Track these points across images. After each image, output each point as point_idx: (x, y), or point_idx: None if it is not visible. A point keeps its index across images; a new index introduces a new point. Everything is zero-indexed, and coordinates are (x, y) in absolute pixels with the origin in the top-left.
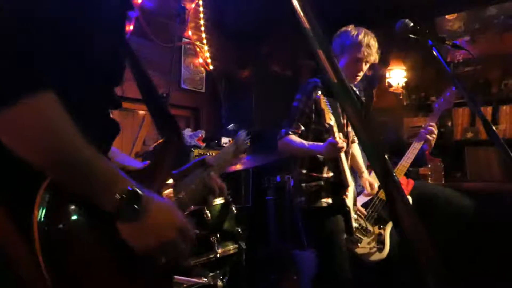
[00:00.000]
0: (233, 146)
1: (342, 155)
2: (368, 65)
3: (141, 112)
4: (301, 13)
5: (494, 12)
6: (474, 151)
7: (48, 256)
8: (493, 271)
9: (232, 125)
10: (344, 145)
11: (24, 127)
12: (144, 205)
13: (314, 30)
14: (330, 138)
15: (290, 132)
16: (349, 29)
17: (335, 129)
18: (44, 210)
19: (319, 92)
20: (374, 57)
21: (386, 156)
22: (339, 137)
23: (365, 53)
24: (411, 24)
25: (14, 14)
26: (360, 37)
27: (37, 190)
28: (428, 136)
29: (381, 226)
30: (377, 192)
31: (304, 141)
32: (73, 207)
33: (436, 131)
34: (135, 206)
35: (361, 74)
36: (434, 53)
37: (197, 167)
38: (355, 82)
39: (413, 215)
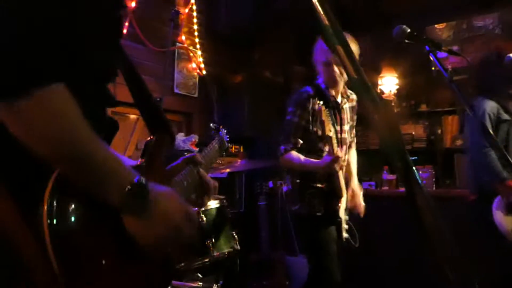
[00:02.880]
0: (217, 144)
1: None
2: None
3: (133, 116)
4: (320, 10)
5: (482, 23)
6: (463, 158)
7: (58, 250)
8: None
9: (211, 124)
10: (344, 156)
11: (37, 119)
12: (151, 196)
13: (333, 26)
14: (326, 156)
15: (289, 149)
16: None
17: (334, 141)
18: (52, 206)
19: (320, 103)
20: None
21: (406, 151)
22: (338, 149)
23: (330, 56)
24: (408, 30)
25: (18, 11)
26: (323, 44)
27: (45, 184)
28: None
29: None
30: None
31: (302, 158)
32: (80, 201)
33: None
34: (142, 198)
35: (339, 78)
36: (431, 58)
37: (186, 165)
38: (339, 87)
39: (433, 210)
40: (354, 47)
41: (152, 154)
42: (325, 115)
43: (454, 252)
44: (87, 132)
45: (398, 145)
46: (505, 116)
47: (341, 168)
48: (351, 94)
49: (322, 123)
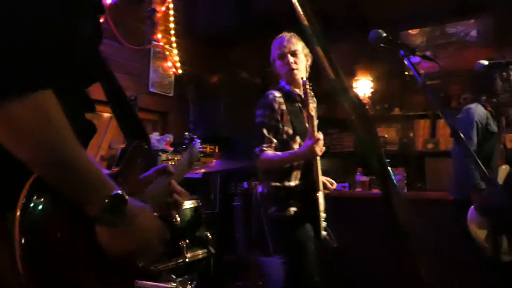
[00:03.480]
0: (188, 156)
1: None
2: (296, 55)
3: (106, 114)
4: (300, 11)
5: (455, 30)
6: (433, 161)
7: (27, 259)
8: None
9: (186, 133)
10: (322, 137)
11: (28, 123)
12: (128, 210)
13: (313, 27)
14: (306, 140)
15: (264, 149)
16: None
17: (315, 121)
18: (26, 211)
19: (304, 78)
20: (294, 46)
21: (382, 153)
22: (317, 133)
23: (282, 47)
24: (384, 35)
25: (15, 13)
26: (275, 41)
27: (20, 189)
28: None
29: None
30: None
31: (280, 153)
32: (56, 209)
33: None
34: (120, 211)
35: (294, 66)
36: (406, 63)
37: (158, 174)
38: (295, 76)
39: (408, 209)
40: (287, 36)
41: (128, 162)
42: (309, 89)
43: (426, 251)
44: (73, 140)
45: (375, 146)
46: (493, 128)
47: (322, 152)
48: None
49: (306, 105)
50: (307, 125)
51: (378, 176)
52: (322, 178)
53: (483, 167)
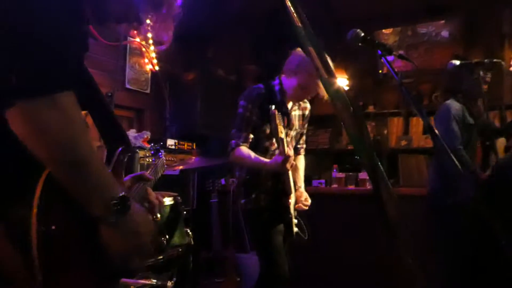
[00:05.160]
0: (154, 168)
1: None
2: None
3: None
4: (293, 12)
5: (426, 30)
6: (406, 158)
7: (43, 255)
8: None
9: (152, 144)
10: (292, 154)
11: (55, 122)
12: (130, 211)
13: (306, 28)
14: (277, 156)
15: (241, 143)
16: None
17: (285, 142)
18: (41, 210)
19: (273, 107)
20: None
21: (373, 150)
22: (288, 149)
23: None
24: (362, 34)
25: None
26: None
27: (33, 186)
28: None
29: None
30: None
31: (253, 155)
32: (65, 207)
33: None
34: (125, 211)
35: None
36: (383, 61)
37: (135, 181)
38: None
39: (397, 204)
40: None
41: (116, 168)
42: (278, 119)
43: (410, 240)
44: (89, 141)
45: (365, 143)
46: (470, 120)
47: (291, 167)
48: (304, 102)
49: (276, 127)
50: (286, 130)
51: (368, 173)
52: (304, 192)
53: (456, 162)
